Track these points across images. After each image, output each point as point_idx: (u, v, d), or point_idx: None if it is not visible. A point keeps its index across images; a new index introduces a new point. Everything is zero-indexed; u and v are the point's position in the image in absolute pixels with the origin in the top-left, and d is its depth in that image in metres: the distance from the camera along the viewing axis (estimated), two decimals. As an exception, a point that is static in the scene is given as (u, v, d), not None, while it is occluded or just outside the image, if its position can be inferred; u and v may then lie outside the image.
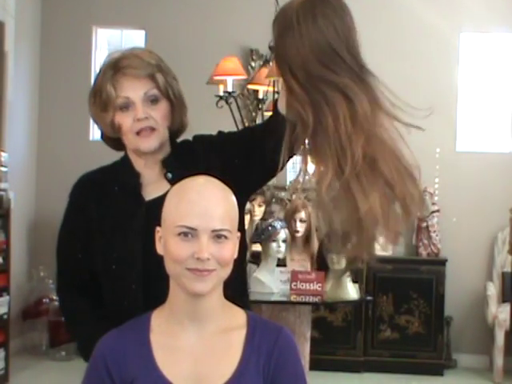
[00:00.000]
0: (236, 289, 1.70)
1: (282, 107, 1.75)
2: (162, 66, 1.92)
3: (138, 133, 1.87)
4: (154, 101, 1.90)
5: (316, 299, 4.17)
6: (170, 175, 1.88)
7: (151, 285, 1.80)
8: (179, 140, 2.00)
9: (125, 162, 1.96)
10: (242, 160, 1.86)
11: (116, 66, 1.89)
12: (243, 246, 1.88)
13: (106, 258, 1.89)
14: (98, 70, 1.96)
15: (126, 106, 1.88)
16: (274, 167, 1.80)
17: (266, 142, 1.77)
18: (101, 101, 1.89)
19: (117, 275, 1.87)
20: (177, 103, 1.94)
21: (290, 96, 1.66)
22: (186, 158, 1.92)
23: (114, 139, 1.96)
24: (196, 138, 1.99)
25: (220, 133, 1.98)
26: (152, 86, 1.89)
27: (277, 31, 1.67)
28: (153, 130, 1.88)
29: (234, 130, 5.07)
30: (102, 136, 2.01)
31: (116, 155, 2.01)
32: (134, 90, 1.88)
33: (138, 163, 1.94)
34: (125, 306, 1.84)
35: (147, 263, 1.81)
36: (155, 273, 1.63)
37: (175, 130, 1.97)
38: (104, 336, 1.56)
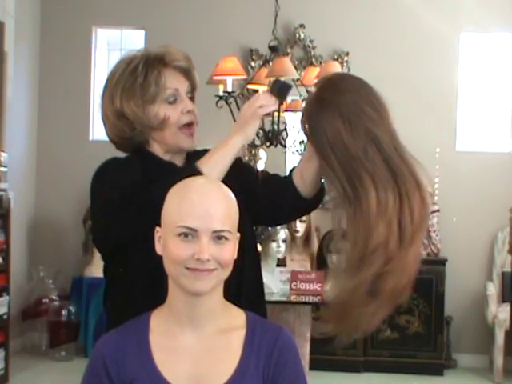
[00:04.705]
0: (253, 298, 1.70)
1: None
2: (192, 64, 1.97)
3: (181, 129, 1.90)
4: (191, 97, 1.95)
5: (316, 299, 4.17)
6: None
7: None
8: None
9: (152, 156, 1.92)
10: (246, 195, 1.82)
11: (163, 60, 1.91)
12: (256, 257, 1.90)
13: None
14: (128, 68, 1.90)
15: (175, 99, 1.90)
16: (273, 220, 1.94)
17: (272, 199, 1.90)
18: (148, 93, 1.88)
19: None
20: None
21: (328, 173, 1.74)
22: None
23: (124, 140, 1.93)
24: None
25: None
26: (189, 82, 1.95)
27: (312, 111, 1.76)
28: (191, 124, 1.92)
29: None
30: (109, 136, 1.95)
31: (115, 154, 1.99)
32: (181, 83, 1.92)
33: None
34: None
35: None
36: None
37: None
38: (103, 336, 1.56)
